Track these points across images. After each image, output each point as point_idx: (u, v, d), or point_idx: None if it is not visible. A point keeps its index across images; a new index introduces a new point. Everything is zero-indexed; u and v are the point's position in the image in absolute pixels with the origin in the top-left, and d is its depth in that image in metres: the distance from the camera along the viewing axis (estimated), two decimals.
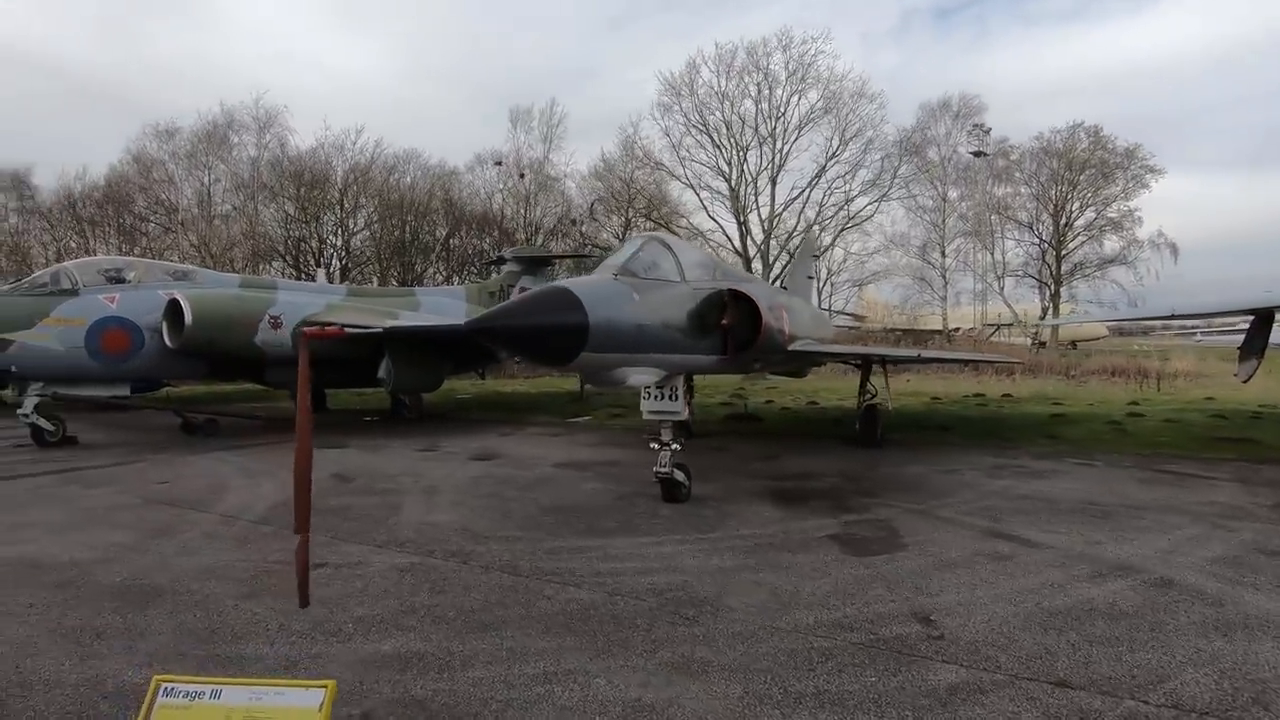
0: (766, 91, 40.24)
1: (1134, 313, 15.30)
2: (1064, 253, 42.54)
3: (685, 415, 8.14)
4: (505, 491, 9.06)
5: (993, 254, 44.91)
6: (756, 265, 39.32)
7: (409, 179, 45.00)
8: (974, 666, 4.07)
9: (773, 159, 40.67)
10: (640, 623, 4.77)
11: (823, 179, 40.77)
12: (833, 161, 40.43)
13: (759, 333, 8.54)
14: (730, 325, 8.40)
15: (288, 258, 41.85)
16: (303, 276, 37.93)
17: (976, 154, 40.85)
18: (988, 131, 41.17)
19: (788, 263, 39.37)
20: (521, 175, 46.55)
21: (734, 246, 40.85)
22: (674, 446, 8.09)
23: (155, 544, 6.74)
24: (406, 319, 18.34)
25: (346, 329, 6.31)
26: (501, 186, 45.68)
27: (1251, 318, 11.76)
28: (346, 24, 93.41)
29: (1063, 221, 42.40)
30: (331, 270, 40.63)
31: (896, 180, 40.28)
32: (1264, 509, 7.80)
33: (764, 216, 40.48)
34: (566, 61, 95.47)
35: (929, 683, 3.89)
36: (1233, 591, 5.23)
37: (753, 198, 40.96)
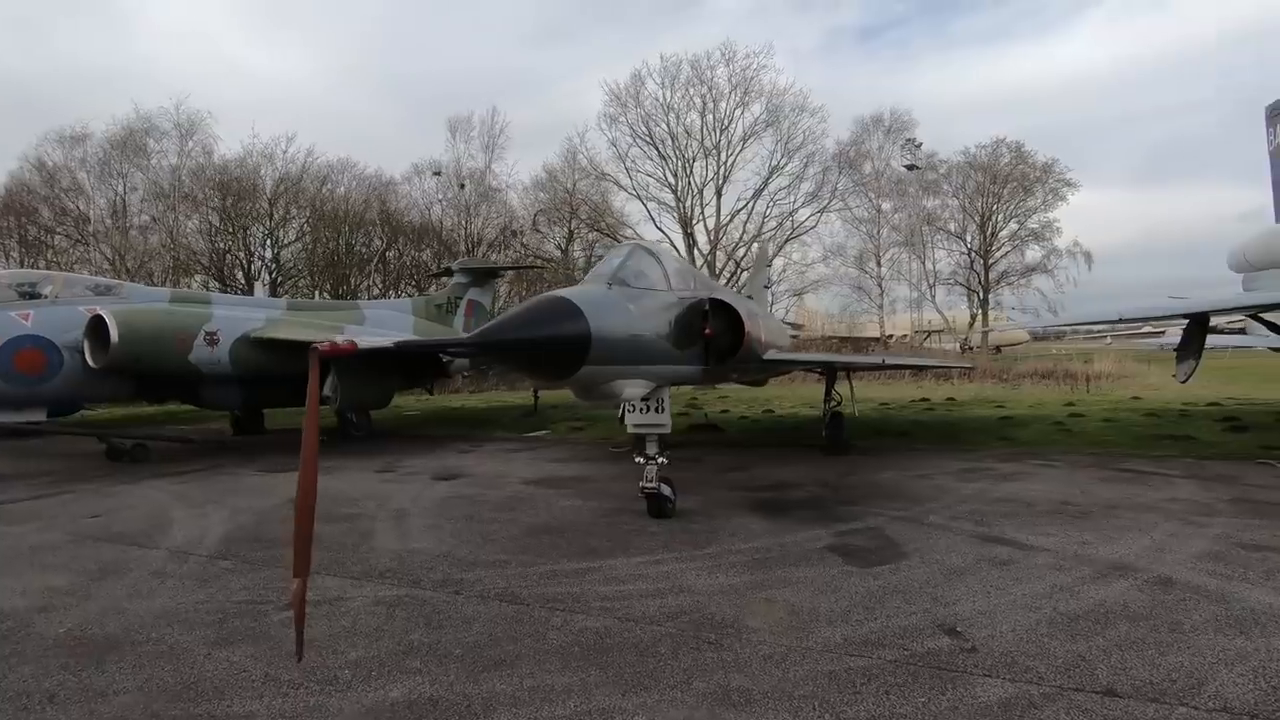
0: (711, 104, 40.77)
1: (1086, 316, 16.01)
2: (991, 262, 44.54)
3: (670, 428, 7.93)
4: (480, 513, 8.62)
5: (924, 263, 46.64)
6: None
7: (343, 189, 43.50)
8: (1017, 679, 3.98)
9: (718, 170, 41.20)
10: (663, 651, 4.50)
11: (766, 191, 41.54)
12: (776, 174, 41.26)
13: (741, 342, 8.43)
14: (713, 335, 8.25)
15: (212, 271, 39.72)
16: (230, 290, 36.03)
17: (910, 167, 42.45)
18: (919, 146, 42.93)
19: (734, 272, 39.87)
20: (461, 186, 45.59)
21: (680, 257, 41.06)
22: (660, 460, 7.87)
23: (99, 587, 6.05)
24: (352, 333, 17.54)
25: (357, 344, 5.75)
26: (441, 197, 44.66)
27: (1186, 321, 12.42)
28: (272, 28, 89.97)
29: (989, 232, 44.41)
30: (263, 284, 38.77)
31: (835, 193, 41.36)
32: (1224, 504, 8.14)
33: (710, 227, 40.89)
34: (503, 72, 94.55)
35: (980, 700, 3.78)
36: (1230, 588, 5.36)
37: (699, 209, 41.35)
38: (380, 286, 43.59)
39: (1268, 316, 11.36)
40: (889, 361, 14.54)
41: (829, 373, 13.35)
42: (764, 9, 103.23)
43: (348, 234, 42.40)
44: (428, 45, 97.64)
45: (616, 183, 42.94)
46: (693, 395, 24.63)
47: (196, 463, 13.57)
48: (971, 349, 44.73)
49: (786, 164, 41.02)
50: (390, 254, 44.27)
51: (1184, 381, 12.32)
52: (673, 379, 7.80)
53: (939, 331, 53.75)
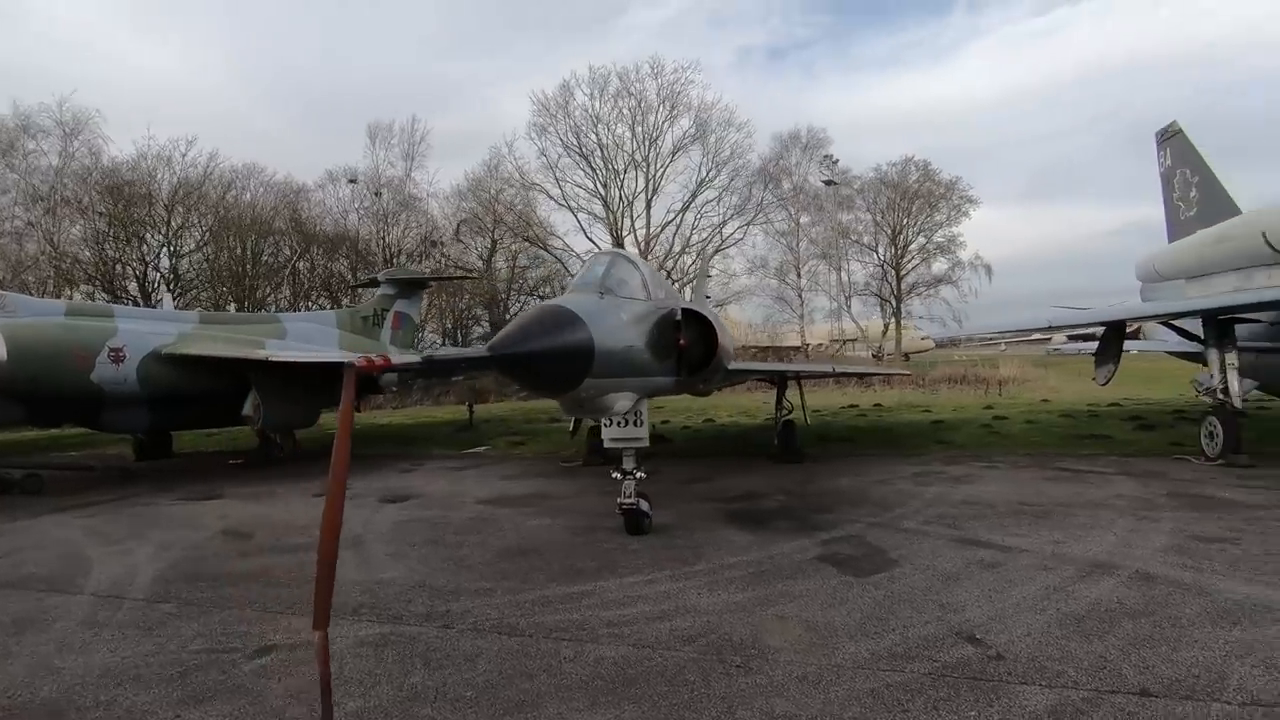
0: (640, 116, 41.03)
1: (1019, 324, 16.91)
2: (903, 273, 46.83)
3: (648, 442, 7.72)
4: (444, 536, 8.12)
5: (841, 275, 48.49)
6: None
7: (249, 196, 40.94)
8: (1054, 685, 4.00)
9: (648, 182, 41.47)
10: (693, 678, 4.28)
11: (695, 204, 42.15)
12: (704, 187, 41.93)
13: (714, 353, 8.33)
14: (687, 346, 8.11)
15: (98, 281, 36.41)
16: (122, 303, 33.11)
17: (828, 183, 44.13)
18: (835, 162, 44.69)
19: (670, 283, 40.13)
20: (378, 193, 43.89)
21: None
22: (639, 475, 7.64)
23: (21, 643, 5.25)
24: (274, 348, 16.40)
25: (390, 359, 5.13)
26: (357, 205, 42.79)
27: (1103, 327, 13.30)
28: (170, 29, 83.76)
29: (900, 245, 46.70)
30: (159, 296, 35.89)
31: (759, 207, 42.43)
32: (1163, 499, 8.68)
33: (641, 238, 40.99)
34: (415, 81, 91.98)
35: (1028, 708, 3.76)
36: (1205, 580, 5.64)
37: (629, 220, 41.45)
38: (290, 298, 41.24)
39: (1178, 323, 12.34)
40: (838, 370, 14.88)
41: (780, 382, 13.49)
42: (677, 27, 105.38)
43: (255, 243, 39.92)
44: (337, 53, 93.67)
45: (546, 193, 42.55)
46: None
47: (100, 493, 12.23)
48: (880, 357, 46.85)
49: (715, 177, 41.81)
50: (302, 264, 41.98)
51: (1104, 384, 13.16)
52: (652, 390, 7.61)
53: (853, 340, 56.03)
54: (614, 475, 7.73)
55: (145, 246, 37.20)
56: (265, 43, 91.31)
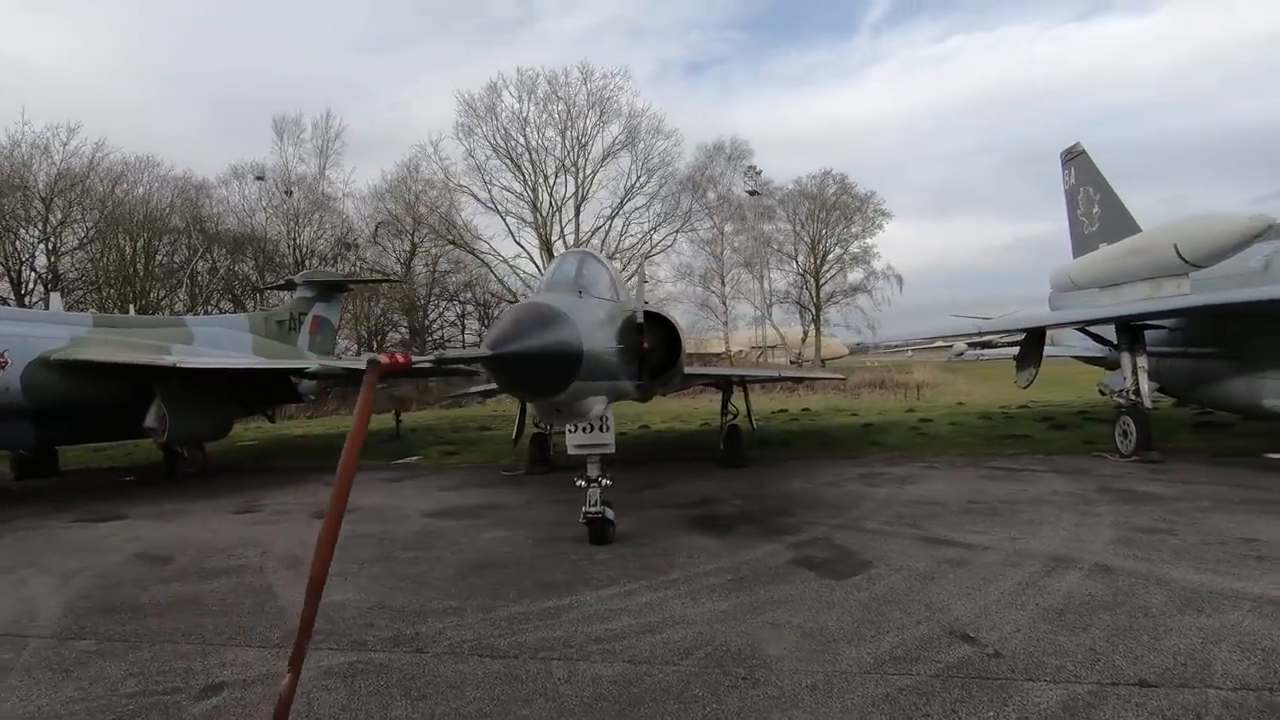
0: (570, 121, 40.64)
1: (950, 329, 17.67)
2: (822, 282, 48.42)
3: (614, 448, 7.47)
4: (394, 553, 7.60)
5: (762, 283, 49.63)
6: None
7: (142, 190, 37.88)
8: (1057, 680, 4.03)
9: (578, 188, 41.10)
10: (701, 693, 4.08)
11: (623, 210, 42.12)
12: (633, 193, 41.98)
13: (678, 356, 8.18)
14: (650, 349, 7.91)
15: None
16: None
17: (751, 193, 45.11)
18: (759, 173, 45.74)
19: None
20: (288, 192, 41.61)
21: (541, 273, 40.42)
22: (604, 482, 7.39)
23: None
24: (180, 353, 15.12)
25: (412, 359, 4.40)
26: (265, 204, 40.37)
27: (1024, 334, 14.09)
28: (45, 11, 76.36)
29: (819, 255, 48.28)
30: (34, 298, 32.59)
31: (687, 215, 42.88)
32: (1095, 494, 9.16)
33: (570, 244, 40.53)
34: (325, 78, 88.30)
35: (1040, 704, 3.76)
36: (1159, 570, 5.92)
37: (558, 225, 40.94)
38: (188, 302, 38.36)
39: (1093, 329, 13.21)
40: (783, 375, 15.10)
41: (726, 387, 13.52)
42: (596, 36, 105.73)
43: (148, 241, 36.94)
44: (240, 45, 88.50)
45: (474, 195, 41.46)
46: None
47: None
48: (798, 364, 48.23)
49: (645, 184, 41.95)
50: (202, 265, 39.19)
51: (1025, 387, 13.91)
52: (619, 395, 7.38)
53: (773, 347, 57.46)
54: (578, 483, 7.45)
55: (19, 242, 33.70)
56: (162, 33, 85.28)
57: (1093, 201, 16.88)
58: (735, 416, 13.32)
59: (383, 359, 3.18)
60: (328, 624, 5.46)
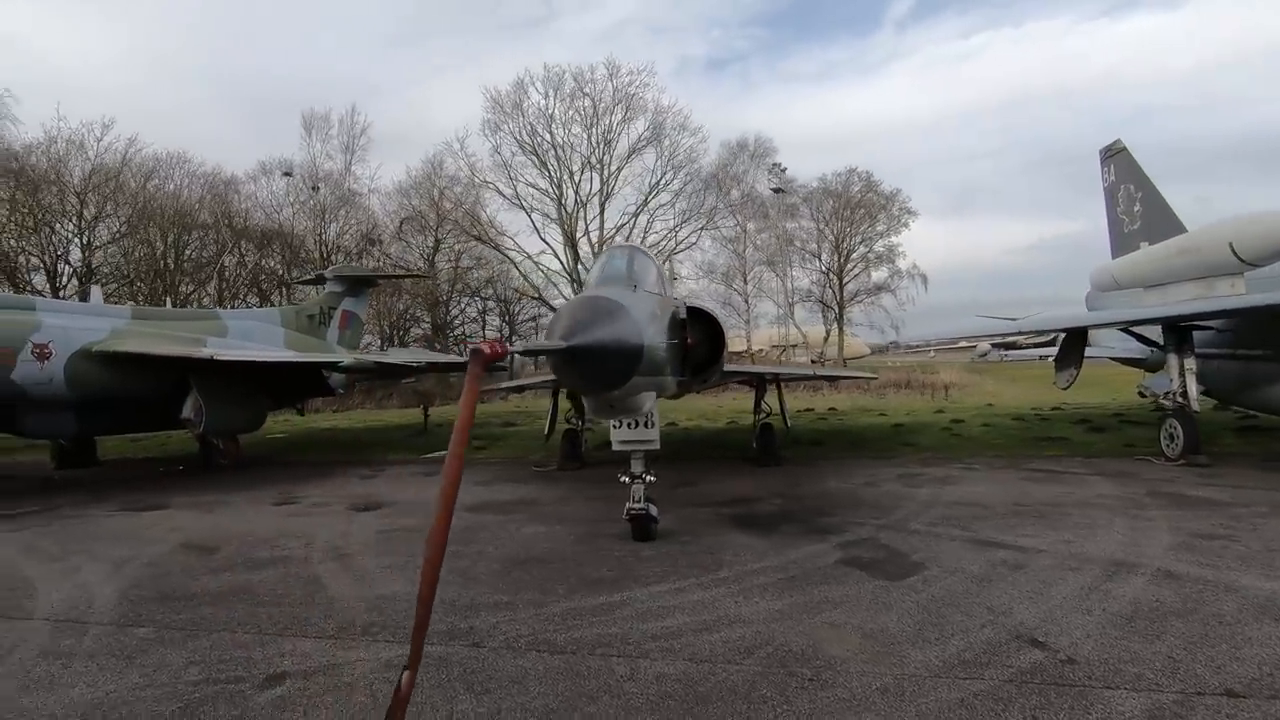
0: (595, 118, 40.61)
1: (981, 329, 17.45)
2: (845, 281, 47.98)
3: (659, 444, 7.41)
4: None
5: (785, 282, 49.25)
6: None
7: (173, 186, 38.43)
8: (1138, 689, 3.92)
9: (603, 184, 41.07)
10: (769, 694, 4.01)
11: (648, 207, 42.03)
12: (659, 190, 41.88)
13: (720, 352, 8.09)
14: (694, 345, 7.82)
15: None
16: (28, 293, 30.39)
17: (776, 191, 44.75)
18: (784, 170, 45.40)
19: None
20: (315, 188, 42.00)
21: (566, 269, 40.39)
22: (649, 479, 7.34)
23: None
24: (215, 346, 15.30)
25: (506, 346, 4.20)
26: (292, 200, 40.76)
27: (1064, 334, 13.82)
28: (77, 5, 77.73)
29: (843, 254, 47.84)
30: (68, 291, 33.16)
31: (712, 212, 42.69)
32: (1146, 498, 8.94)
33: (594, 240, 40.56)
34: (345, 76, 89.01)
35: (1124, 713, 3.65)
36: (1227, 577, 5.75)
37: (583, 222, 40.95)
38: (215, 295, 38.87)
39: (1137, 330, 12.94)
40: (817, 373, 14.98)
41: (759, 385, 13.40)
42: (617, 33, 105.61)
43: (178, 236, 37.47)
44: (266, 43, 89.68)
45: (499, 191, 41.51)
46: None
47: (21, 504, 11.04)
48: (820, 363, 47.85)
49: (670, 181, 41.83)
50: (230, 259, 39.67)
51: (1065, 388, 13.65)
52: (665, 391, 7.31)
53: (794, 346, 57.08)
54: (622, 479, 7.41)
55: (55, 236, 34.32)
56: (188, 30, 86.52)
57: (1134, 199, 16.52)
58: (768, 415, 13.20)
59: (485, 347, 3.13)
60: (381, 616, 5.48)
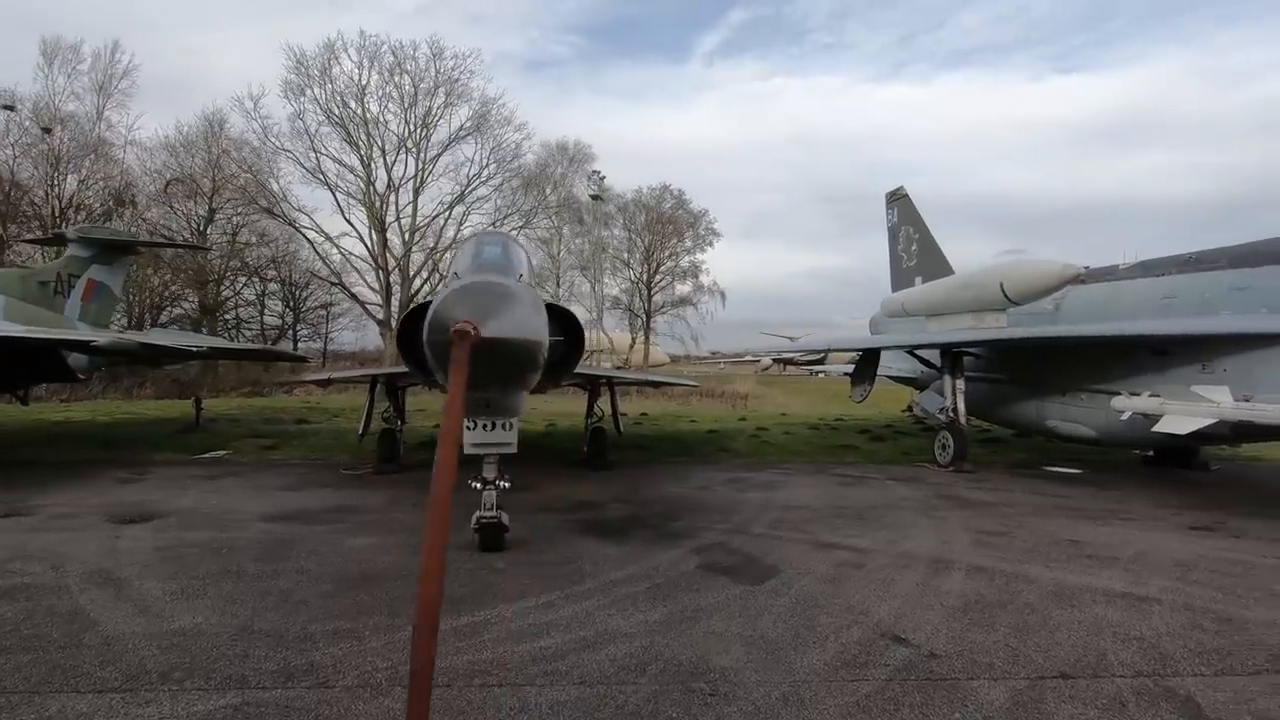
0: (414, 98, 37.96)
1: (811, 344, 18.81)
2: (653, 292, 49.91)
3: (515, 447, 6.91)
4: (243, 565, 6.42)
5: (596, 288, 50.06)
6: (395, 278, 36.47)
7: None
8: (995, 677, 4.30)
9: (419, 169, 38.45)
10: (672, 712, 3.81)
11: (465, 199, 40.18)
12: (478, 183, 40.20)
13: (580, 350, 7.77)
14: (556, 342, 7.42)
15: None
16: None
17: (594, 198, 45.25)
18: (602, 178, 46.05)
19: (429, 278, 37.48)
20: (47, 129, 34.69)
21: (372, 256, 37.19)
22: (503, 485, 6.82)
23: None
24: None
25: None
26: (15, 140, 33.27)
27: (860, 354, 15.42)
28: None
29: (652, 265, 49.74)
30: None
31: (530, 211, 41.96)
32: (936, 500, 10.16)
33: (405, 228, 37.85)
34: (106, 9, 75.07)
35: (993, 701, 3.97)
36: (1019, 569, 6.63)
37: (394, 207, 37.99)
38: None
39: (920, 353, 14.82)
40: (651, 379, 15.15)
41: (593, 388, 13.26)
42: (433, 14, 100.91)
43: None
44: None
45: (299, 161, 37.19)
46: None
47: None
48: (625, 368, 49.33)
49: (493, 175, 40.38)
50: None
51: (859, 401, 15.24)
52: (528, 389, 6.83)
53: (602, 352, 58.22)
54: (472, 485, 6.79)
55: None
56: None
57: (912, 240, 18.99)
58: (600, 419, 13.11)
59: (469, 328, 2.52)
60: (184, 657, 4.44)
